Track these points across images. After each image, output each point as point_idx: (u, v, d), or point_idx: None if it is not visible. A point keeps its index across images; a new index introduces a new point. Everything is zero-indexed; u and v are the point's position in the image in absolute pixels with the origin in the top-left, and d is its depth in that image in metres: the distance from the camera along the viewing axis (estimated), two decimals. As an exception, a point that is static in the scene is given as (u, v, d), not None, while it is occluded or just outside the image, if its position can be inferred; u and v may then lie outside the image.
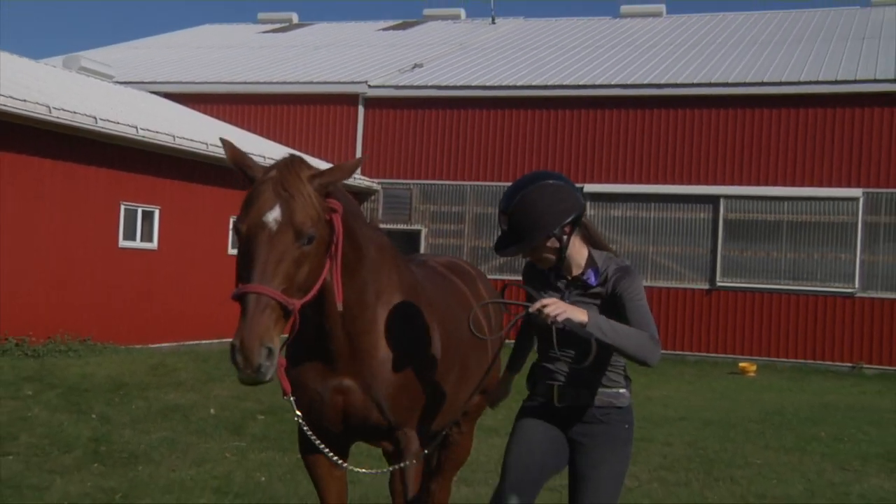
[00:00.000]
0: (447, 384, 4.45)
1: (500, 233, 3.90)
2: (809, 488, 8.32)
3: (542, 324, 3.77)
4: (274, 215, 3.59)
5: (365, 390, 4.09)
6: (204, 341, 17.03)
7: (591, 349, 3.65)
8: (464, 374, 4.60)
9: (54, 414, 10.38)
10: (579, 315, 3.57)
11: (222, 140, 3.93)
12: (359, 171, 21.51)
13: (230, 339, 3.56)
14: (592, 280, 3.84)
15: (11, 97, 13.47)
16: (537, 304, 3.61)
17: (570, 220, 3.77)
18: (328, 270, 3.81)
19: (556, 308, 3.56)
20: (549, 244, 3.79)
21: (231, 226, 18.36)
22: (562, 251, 3.81)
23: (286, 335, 3.85)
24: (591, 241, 3.95)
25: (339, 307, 3.91)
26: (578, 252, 3.88)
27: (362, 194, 21.99)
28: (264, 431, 10.53)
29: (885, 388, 16.80)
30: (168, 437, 9.96)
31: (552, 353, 3.90)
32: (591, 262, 3.88)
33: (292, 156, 3.83)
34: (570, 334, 3.71)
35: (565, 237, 3.79)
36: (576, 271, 3.88)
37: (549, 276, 3.94)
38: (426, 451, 4.47)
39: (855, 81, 20.28)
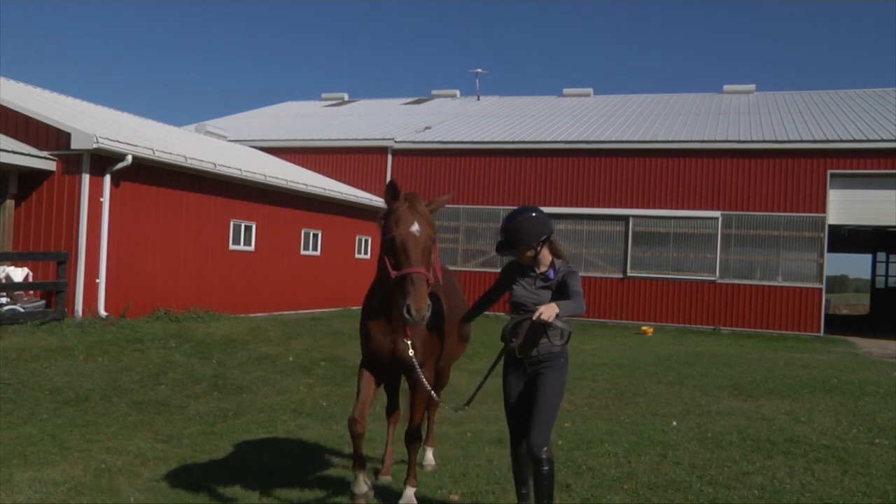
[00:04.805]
0: (449, 340, 4.88)
1: (498, 240, 4.29)
2: (685, 408, 8.45)
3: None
4: (416, 227, 4.20)
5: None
6: (285, 312, 17.07)
7: (567, 333, 4.16)
8: (455, 333, 5.05)
9: (189, 359, 10.47)
10: (555, 311, 3.94)
11: (391, 181, 4.37)
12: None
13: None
14: (552, 275, 4.24)
15: (163, 151, 13.60)
16: (536, 315, 3.94)
17: (542, 239, 4.19)
18: None
19: (546, 313, 3.93)
20: (528, 253, 4.21)
21: (309, 236, 18.46)
22: (535, 256, 4.21)
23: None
24: (555, 251, 4.30)
25: (441, 282, 4.63)
26: (546, 257, 4.27)
27: (391, 214, 21.94)
28: (325, 372, 10.62)
29: (734, 342, 16.92)
30: (262, 376, 10.06)
31: (518, 323, 4.23)
32: (552, 264, 4.27)
33: (411, 193, 4.35)
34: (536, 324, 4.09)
35: (538, 248, 4.20)
36: (542, 269, 4.27)
37: (525, 269, 4.29)
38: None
39: (714, 141, 20.35)
